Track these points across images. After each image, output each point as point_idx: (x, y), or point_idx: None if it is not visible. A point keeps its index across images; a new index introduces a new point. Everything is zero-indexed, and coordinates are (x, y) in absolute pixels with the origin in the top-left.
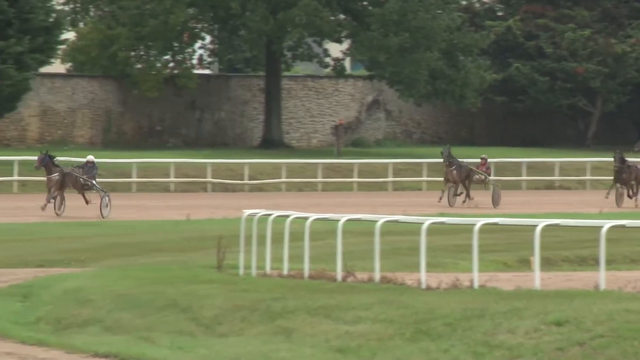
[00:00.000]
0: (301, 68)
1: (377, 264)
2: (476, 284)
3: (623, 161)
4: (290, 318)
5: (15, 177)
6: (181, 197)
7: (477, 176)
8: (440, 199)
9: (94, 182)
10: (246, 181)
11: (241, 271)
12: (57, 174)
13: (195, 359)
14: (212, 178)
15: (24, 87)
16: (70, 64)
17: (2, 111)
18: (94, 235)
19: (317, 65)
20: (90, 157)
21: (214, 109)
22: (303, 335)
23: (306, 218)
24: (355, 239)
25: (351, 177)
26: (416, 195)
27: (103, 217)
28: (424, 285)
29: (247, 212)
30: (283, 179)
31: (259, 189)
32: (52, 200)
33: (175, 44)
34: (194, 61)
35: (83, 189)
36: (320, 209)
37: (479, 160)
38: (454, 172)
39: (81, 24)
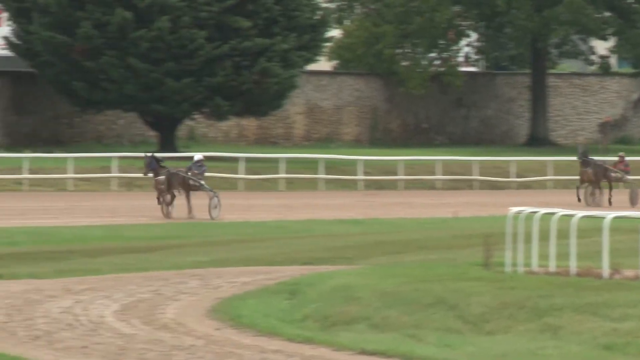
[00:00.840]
0: (567, 65)
1: None
2: None
3: None
4: (557, 315)
5: (282, 175)
6: (447, 194)
7: (614, 174)
8: (579, 199)
9: (202, 182)
10: (513, 179)
11: (508, 268)
12: (164, 176)
13: (463, 357)
14: (479, 176)
15: (290, 85)
16: (336, 61)
17: (268, 109)
18: (361, 232)
19: (582, 63)
20: (199, 156)
21: (480, 106)
22: (570, 333)
23: (572, 215)
24: (622, 237)
25: None
26: None
27: (212, 219)
28: None
29: (514, 209)
30: (549, 177)
31: (526, 186)
32: (167, 204)
33: (441, 42)
34: (460, 59)
35: (191, 189)
36: (586, 207)
37: (617, 158)
38: (589, 171)
39: (347, 22)
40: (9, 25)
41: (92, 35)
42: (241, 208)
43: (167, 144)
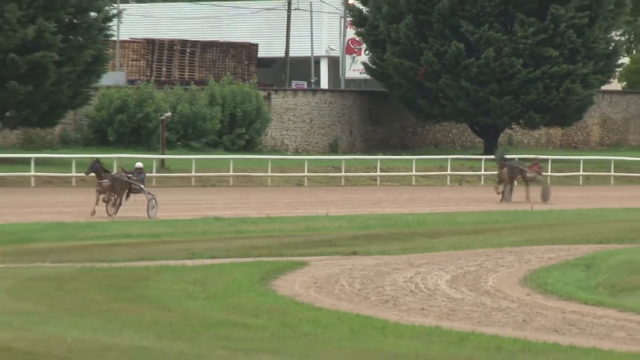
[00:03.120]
0: None
1: None
2: None
3: None
4: None
5: (581, 173)
6: None
7: (529, 174)
8: (501, 199)
9: (142, 186)
10: None
11: None
12: (107, 180)
13: None
14: None
15: (588, 102)
16: (625, 82)
17: (571, 120)
18: None
19: None
20: (139, 164)
21: None
22: None
23: None
24: None
25: None
26: None
27: (150, 218)
28: None
29: None
30: None
31: None
32: (106, 203)
33: None
34: None
35: (132, 192)
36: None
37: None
38: (505, 172)
39: (635, 51)
40: (366, 54)
41: (432, 62)
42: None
43: (491, 148)
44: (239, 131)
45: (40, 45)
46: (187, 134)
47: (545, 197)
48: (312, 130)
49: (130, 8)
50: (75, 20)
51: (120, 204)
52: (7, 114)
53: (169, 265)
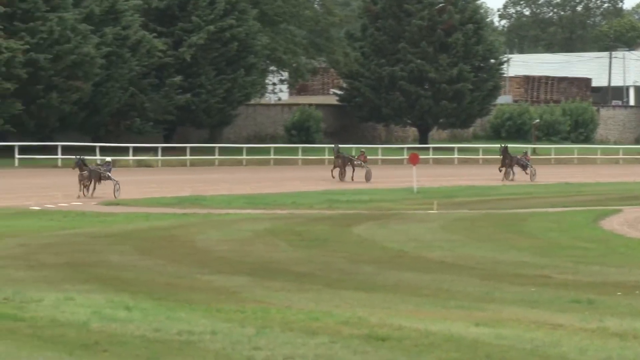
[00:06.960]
0: None
1: None
2: None
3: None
4: None
5: None
6: None
7: (356, 162)
8: (333, 177)
9: (109, 174)
10: None
11: None
12: (86, 171)
13: None
14: None
15: None
16: None
17: None
18: None
19: None
20: (108, 159)
21: None
22: None
23: None
24: None
25: None
26: None
27: (115, 198)
28: None
29: None
30: None
31: None
32: (84, 188)
33: None
34: None
35: (102, 179)
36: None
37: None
38: (339, 160)
39: None
40: None
41: None
42: None
43: None
44: (580, 131)
45: (461, 79)
46: (549, 132)
47: (367, 178)
48: (624, 130)
49: (515, 57)
50: (481, 65)
51: (94, 187)
52: (441, 120)
53: (537, 211)
